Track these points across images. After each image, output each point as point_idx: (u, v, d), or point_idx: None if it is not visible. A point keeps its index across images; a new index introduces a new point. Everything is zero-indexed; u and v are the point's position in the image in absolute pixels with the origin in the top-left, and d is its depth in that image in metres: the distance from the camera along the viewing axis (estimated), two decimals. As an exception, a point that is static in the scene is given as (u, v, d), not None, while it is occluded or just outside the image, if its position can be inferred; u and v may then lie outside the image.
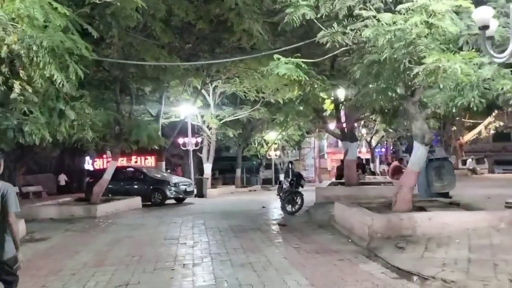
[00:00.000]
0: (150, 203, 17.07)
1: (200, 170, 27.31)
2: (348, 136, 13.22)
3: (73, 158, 40.74)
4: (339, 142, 52.36)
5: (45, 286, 5.85)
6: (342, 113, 15.66)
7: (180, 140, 22.49)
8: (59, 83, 7.72)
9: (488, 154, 34.89)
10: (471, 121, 29.18)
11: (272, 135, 34.92)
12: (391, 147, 44.70)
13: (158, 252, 7.90)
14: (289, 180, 12.89)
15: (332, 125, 16.28)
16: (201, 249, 7.98)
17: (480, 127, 30.24)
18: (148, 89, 17.45)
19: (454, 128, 30.76)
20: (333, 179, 20.29)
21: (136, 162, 38.30)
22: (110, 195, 16.33)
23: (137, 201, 16.16)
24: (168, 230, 10.58)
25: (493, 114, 27.48)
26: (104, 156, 37.71)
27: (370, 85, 7.83)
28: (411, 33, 6.24)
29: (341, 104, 14.45)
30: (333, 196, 12.71)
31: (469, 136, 31.38)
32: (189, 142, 22.75)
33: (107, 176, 14.90)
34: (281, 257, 7.01)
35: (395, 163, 18.05)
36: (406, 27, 6.27)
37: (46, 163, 37.39)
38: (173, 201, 18.05)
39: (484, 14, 5.27)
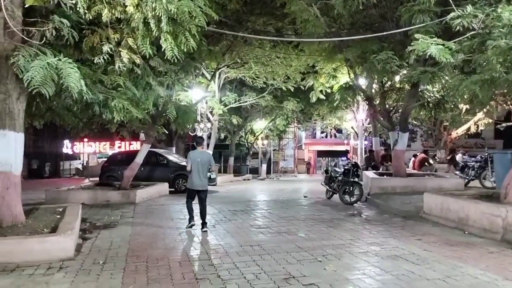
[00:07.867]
0: (173, 189, 16.20)
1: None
2: (402, 125, 12.98)
3: (48, 141, 38.47)
4: (317, 133, 52.93)
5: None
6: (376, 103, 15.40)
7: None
8: (168, 55, 6.94)
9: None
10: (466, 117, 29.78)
11: (259, 124, 34.44)
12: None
13: (272, 241, 7.30)
14: (343, 169, 12.54)
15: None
16: (313, 240, 7.42)
17: (470, 123, 31.01)
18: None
19: (446, 123, 31.38)
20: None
21: (119, 147, 36.83)
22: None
23: (165, 187, 15.28)
24: (239, 218, 9.93)
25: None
26: (85, 139, 35.97)
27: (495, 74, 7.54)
28: None
29: (386, 92, 14.21)
30: (389, 187, 12.46)
31: (459, 131, 32.20)
32: (200, 127, 21.86)
33: (139, 159, 13.90)
34: (421, 250, 6.61)
35: (422, 155, 18.17)
36: None
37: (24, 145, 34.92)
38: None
39: None
